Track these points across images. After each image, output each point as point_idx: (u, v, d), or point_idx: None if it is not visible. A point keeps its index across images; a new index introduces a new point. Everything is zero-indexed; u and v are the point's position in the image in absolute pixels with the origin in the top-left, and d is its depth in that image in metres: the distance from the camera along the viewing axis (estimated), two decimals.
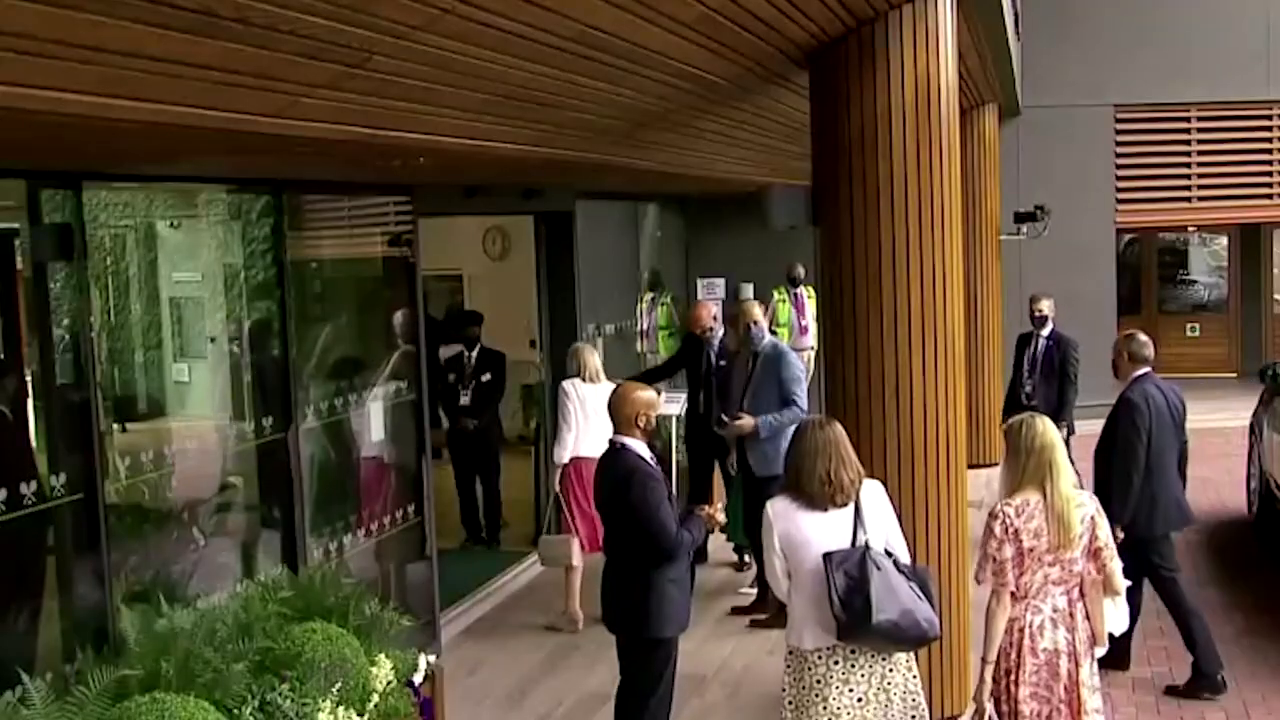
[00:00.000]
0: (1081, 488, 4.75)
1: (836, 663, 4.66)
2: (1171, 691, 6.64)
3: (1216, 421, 14.39)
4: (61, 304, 5.14)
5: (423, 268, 7.79)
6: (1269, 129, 14.79)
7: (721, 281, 14.16)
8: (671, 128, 7.13)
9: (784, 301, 13.57)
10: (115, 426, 5.59)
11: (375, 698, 5.23)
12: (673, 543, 5.17)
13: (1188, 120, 14.81)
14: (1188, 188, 14.92)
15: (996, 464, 12.27)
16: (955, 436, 6.18)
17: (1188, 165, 14.87)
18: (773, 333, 13.36)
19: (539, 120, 5.70)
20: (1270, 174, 14.86)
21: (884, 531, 4.77)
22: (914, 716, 4.74)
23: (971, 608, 6.61)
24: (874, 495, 4.82)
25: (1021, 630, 4.58)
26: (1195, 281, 19.00)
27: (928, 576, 4.83)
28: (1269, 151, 14.82)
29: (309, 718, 4.79)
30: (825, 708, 4.64)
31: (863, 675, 4.66)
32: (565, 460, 7.90)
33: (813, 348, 12.95)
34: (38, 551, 5.11)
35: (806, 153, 6.46)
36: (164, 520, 5.81)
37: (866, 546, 4.65)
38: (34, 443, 5.07)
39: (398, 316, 7.69)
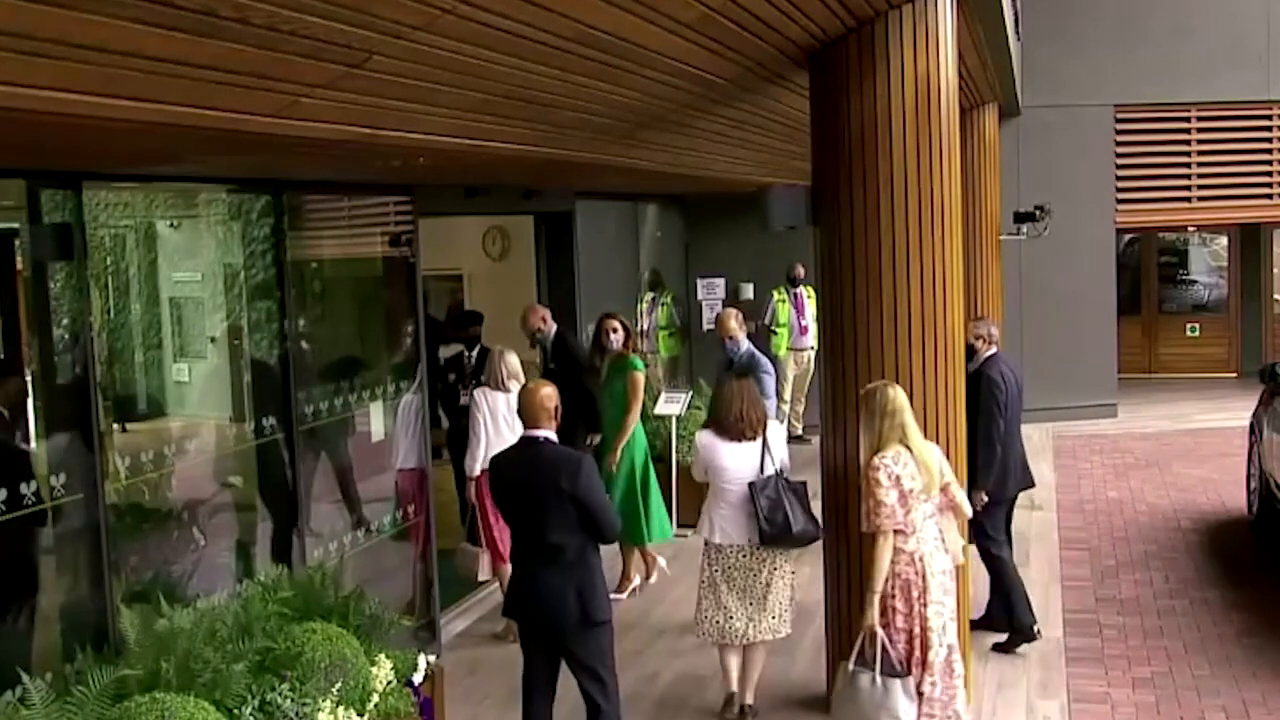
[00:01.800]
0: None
1: (744, 556, 6.28)
2: (997, 648, 7.24)
3: (1216, 421, 14.42)
4: (61, 304, 5.13)
5: (423, 268, 7.79)
6: (1269, 129, 14.78)
7: (721, 281, 14.17)
8: (671, 128, 7.13)
9: (784, 301, 13.58)
10: (115, 426, 5.59)
11: (375, 698, 5.23)
12: (616, 524, 5.44)
13: (1188, 120, 14.80)
14: (1188, 188, 14.91)
15: None
16: (955, 436, 6.18)
17: (1187, 165, 14.87)
18: (773, 333, 13.48)
19: (539, 120, 5.70)
20: (1270, 174, 14.85)
21: (781, 459, 6.35)
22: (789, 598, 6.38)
23: (971, 608, 6.63)
24: (776, 433, 6.45)
25: (921, 559, 5.46)
26: (1195, 281, 19.00)
27: (804, 489, 6.32)
28: (1269, 151, 14.81)
29: (309, 718, 4.79)
30: (730, 586, 6.28)
31: (759, 564, 6.29)
32: (475, 473, 7.62)
33: (813, 348, 12.96)
34: (38, 551, 5.11)
35: (806, 153, 6.46)
36: (164, 520, 5.80)
37: (779, 474, 6.29)
38: (34, 443, 5.07)
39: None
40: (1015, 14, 11.63)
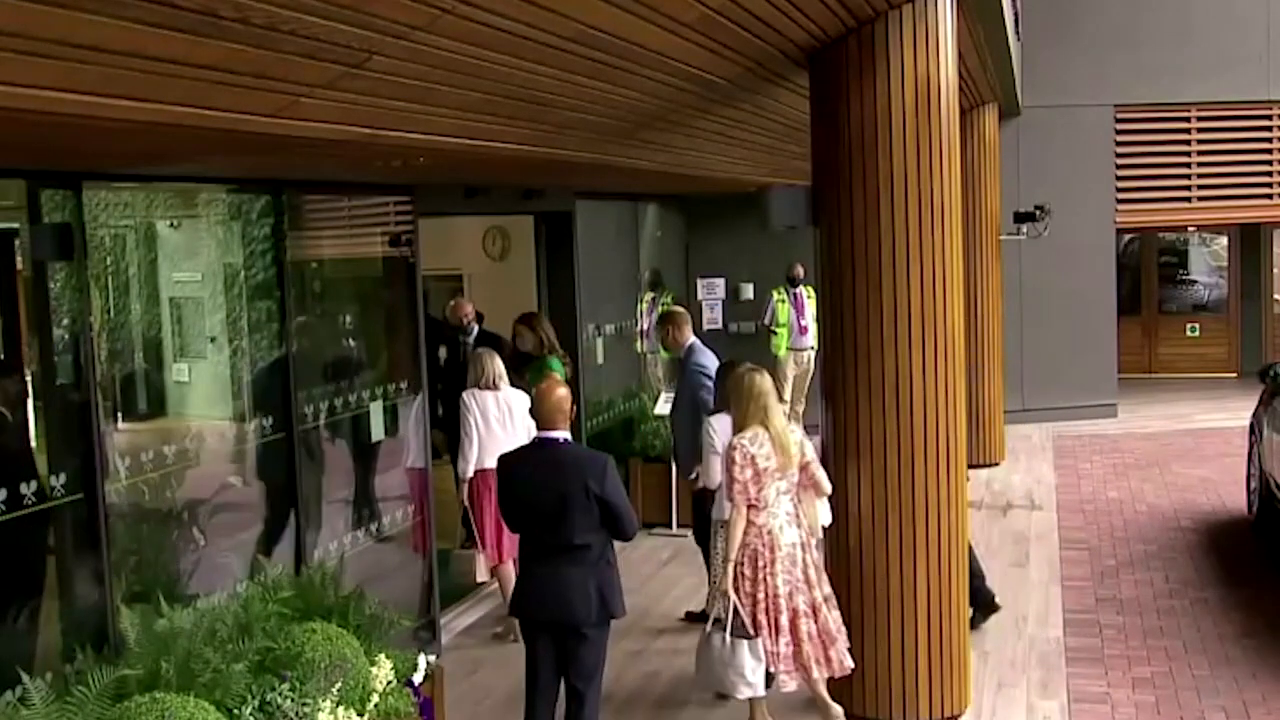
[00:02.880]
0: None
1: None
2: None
3: (1216, 421, 14.42)
4: (61, 304, 5.14)
5: (423, 268, 7.79)
6: (1269, 129, 14.78)
7: (721, 281, 14.16)
8: (671, 128, 7.13)
9: (783, 301, 13.58)
10: (115, 426, 5.59)
11: (375, 698, 5.23)
12: (636, 524, 5.46)
13: (1188, 120, 14.80)
14: (1188, 188, 14.91)
15: (997, 464, 12.46)
16: (955, 436, 6.17)
17: (1188, 165, 14.87)
18: (772, 333, 13.48)
19: (539, 120, 5.70)
20: (1270, 174, 14.85)
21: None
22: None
23: (971, 608, 6.63)
24: (720, 425, 6.75)
25: (770, 533, 5.87)
26: (1195, 281, 19.01)
27: None
28: (1269, 151, 14.82)
29: (309, 718, 4.79)
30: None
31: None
32: (469, 475, 7.59)
33: (813, 348, 12.96)
34: (38, 551, 5.11)
35: (806, 153, 6.45)
36: (164, 520, 5.81)
37: None
38: (34, 443, 5.07)
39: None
40: (1015, 14, 11.63)
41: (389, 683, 5.36)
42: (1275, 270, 18.08)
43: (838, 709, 6.04)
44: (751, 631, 5.77)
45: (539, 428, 5.42)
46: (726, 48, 5.30)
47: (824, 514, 6.22)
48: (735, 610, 5.77)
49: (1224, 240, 18.55)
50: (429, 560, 7.76)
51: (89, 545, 5.16)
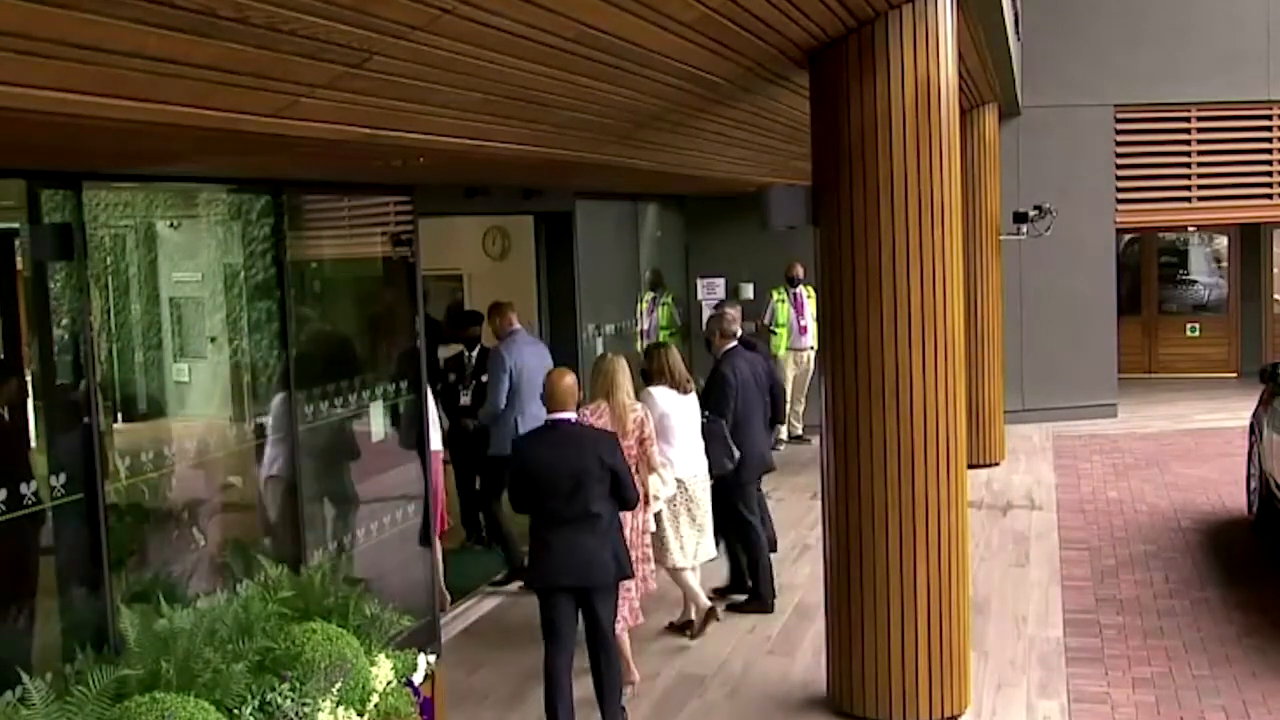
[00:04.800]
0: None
1: (701, 490, 7.56)
2: (733, 607, 8.18)
3: (1216, 421, 14.42)
4: (61, 304, 5.13)
5: (423, 268, 7.79)
6: (1269, 129, 14.77)
7: (721, 281, 14.17)
8: (671, 128, 7.13)
9: (783, 301, 13.59)
10: (115, 426, 5.59)
11: (375, 698, 5.23)
12: (638, 492, 6.23)
13: (1188, 120, 14.80)
14: (1188, 188, 14.91)
15: (997, 464, 12.46)
16: (955, 436, 6.17)
17: (1188, 165, 14.86)
18: (772, 333, 13.49)
19: (539, 120, 5.70)
20: (1270, 174, 14.85)
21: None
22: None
23: (971, 608, 6.63)
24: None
25: None
26: (1195, 281, 19.00)
27: None
28: (1269, 151, 14.81)
29: (309, 718, 4.79)
30: (689, 509, 7.48)
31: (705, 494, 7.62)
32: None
33: (812, 348, 12.97)
34: (38, 551, 5.11)
35: (806, 153, 6.45)
36: (164, 520, 5.81)
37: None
38: (34, 443, 5.07)
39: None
40: (1015, 14, 11.63)
41: (389, 683, 5.36)
42: (1275, 270, 18.08)
43: (635, 676, 6.80)
44: None
45: (550, 410, 6.00)
46: (726, 48, 5.30)
47: (658, 486, 7.03)
48: None
49: (1224, 240, 18.54)
50: (430, 560, 7.77)
51: (89, 545, 5.16)
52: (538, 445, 6.03)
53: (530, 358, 8.63)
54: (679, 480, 7.35)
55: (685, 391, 7.53)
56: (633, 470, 6.48)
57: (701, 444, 7.59)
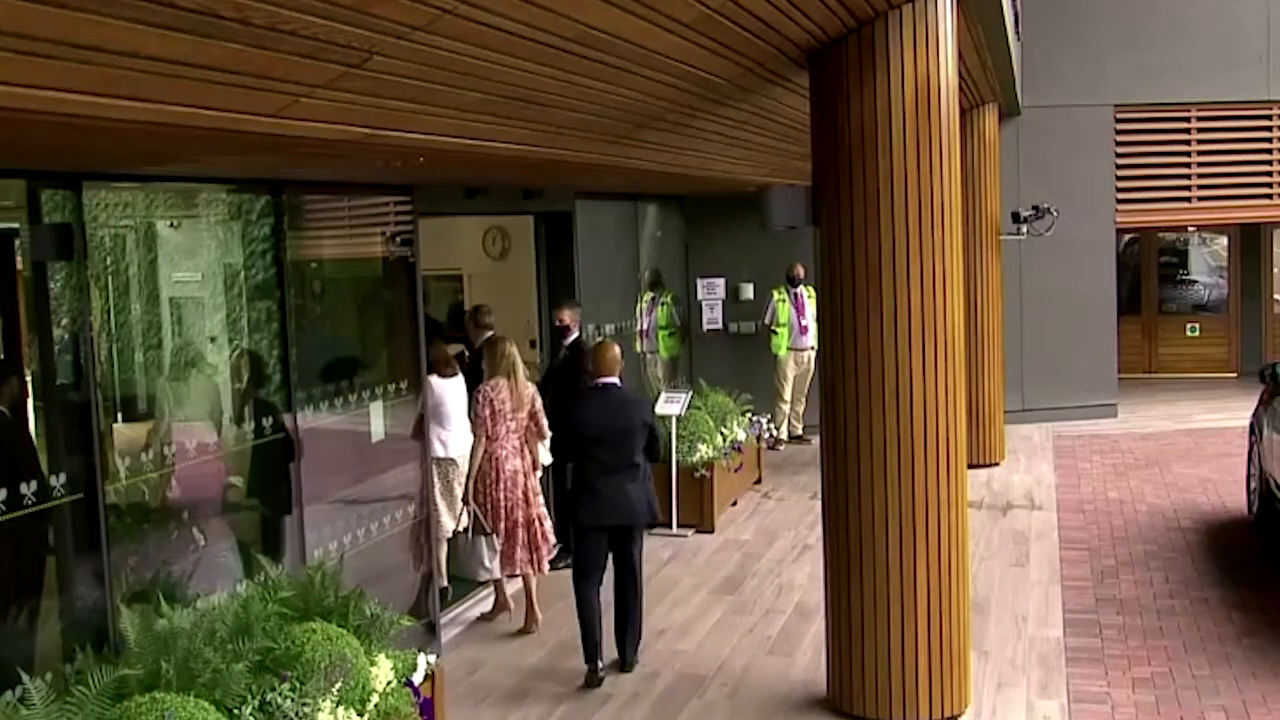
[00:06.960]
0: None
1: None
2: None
3: (1216, 421, 14.42)
4: (61, 304, 5.14)
5: (423, 268, 7.79)
6: (1269, 129, 14.77)
7: (721, 281, 14.17)
8: (671, 128, 7.13)
9: (784, 301, 13.58)
10: (115, 426, 5.58)
11: (375, 698, 5.23)
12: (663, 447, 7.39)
13: (1188, 120, 14.80)
14: (1188, 188, 14.91)
15: (997, 464, 12.46)
16: (955, 436, 6.17)
17: (1188, 165, 14.87)
18: (773, 333, 13.49)
19: (539, 120, 5.70)
20: (1270, 174, 14.85)
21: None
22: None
23: (971, 608, 6.63)
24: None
25: (498, 460, 7.66)
26: (1195, 281, 19.00)
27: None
28: (1269, 151, 14.81)
29: (309, 718, 4.79)
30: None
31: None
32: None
33: (813, 348, 12.96)
34: (38, 551, 5.11)
35: (806, 153, 6.45)
36: (164, 520, 5.81)
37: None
38: (34, 443, 5.07)
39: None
40: (1015, 14, 11.63)
41: (389, 683, 5.36)
42: (1275, 270, 18.08)
43: (538, 617, 7.77)
44: (488, 528, 7.61)
45: (596, 375, 7.02)
46: (726, 48, 5.30)
47: (543, 453, 7.94)
48: (475, 515, 7.63)
49: (1224, 240, 18.54)
50: (430, 560, 7.76)
51: (89, 545, 5.16)
52: (590, 405, 6.95)
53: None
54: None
55: (447, 376, 8.19)
56: (523, 439, 7.66)
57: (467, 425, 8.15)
